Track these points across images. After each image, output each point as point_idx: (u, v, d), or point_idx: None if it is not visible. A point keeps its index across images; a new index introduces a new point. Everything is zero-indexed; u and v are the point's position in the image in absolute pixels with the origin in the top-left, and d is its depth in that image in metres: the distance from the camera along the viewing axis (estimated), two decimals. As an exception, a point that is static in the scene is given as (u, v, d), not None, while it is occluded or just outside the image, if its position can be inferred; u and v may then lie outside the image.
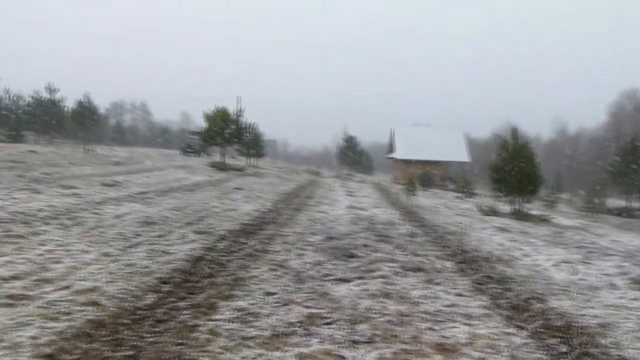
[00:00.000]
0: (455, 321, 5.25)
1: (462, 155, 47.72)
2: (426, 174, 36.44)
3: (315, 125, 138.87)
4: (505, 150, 18.61)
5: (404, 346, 4.43)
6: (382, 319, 5.11)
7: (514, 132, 19.31)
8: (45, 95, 49.99)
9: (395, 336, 4.67)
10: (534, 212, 18.51)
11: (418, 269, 7.47)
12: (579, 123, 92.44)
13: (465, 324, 5.17)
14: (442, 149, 47.03)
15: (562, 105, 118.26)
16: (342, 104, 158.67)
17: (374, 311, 5.35)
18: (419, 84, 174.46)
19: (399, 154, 47.21)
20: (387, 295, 5.96)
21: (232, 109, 35.78)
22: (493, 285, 6.94)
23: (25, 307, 4.70)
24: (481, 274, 7.56)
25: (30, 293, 5.13)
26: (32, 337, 4.01)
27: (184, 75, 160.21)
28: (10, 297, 4.95)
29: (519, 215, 17.47)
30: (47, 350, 3.84)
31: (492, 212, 18.04)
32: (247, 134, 40.58)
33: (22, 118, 49.33)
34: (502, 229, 13.23)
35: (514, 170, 17.88)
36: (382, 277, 6.83)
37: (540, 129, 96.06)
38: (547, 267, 8.55)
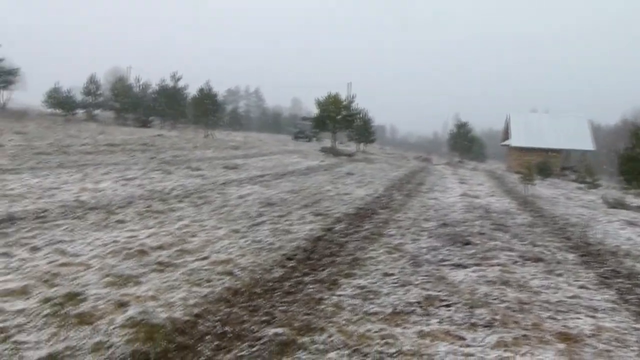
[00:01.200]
0: (579, 312, 5.14)
1: (585, 143, 44.58)
2: (544, 163, 34.52)
3: (426, 111, 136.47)
4: (637, 137, 17.27)
5: (525, 332, 4.45)
6: (501, 305, 5.14)
7: (647, 118, 17.82)
8: (169, 83, 53.67)
9: (516, 322, 4.69)
10: (667, 206, 17.06)
11: (538, 259, 7.31)
12: None
13: (590, 316, 5.05)
14: (563, 136, 44.25)
15: None
16: (454, 88, 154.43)
17: (492, 297, 5.38)
18: (538, 66, 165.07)
19: (515, 141, 45.09)
20: (505, 283, 5.94)
21: (342, 95, 36.30)
22: (620, 280, 6.64)
23: (173, 273, 5.31)
24: (607, 268, 7.24)
25: (175, 261, 5.77)
26: (182, 299, 4.56)
27: (295, 63, 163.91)
28: (159, 264, 5.60)
29: (651, 209, 16.18)
30: (196, 310, 4.36)
31: (620, 204, 16.86)
32: (358, 120, 40.90)
33: (150, 105, 53.28)
34: (632, 223, 12.38)
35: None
36: (500, 265, 6.79)
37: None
38: (682, 264, 7.97)
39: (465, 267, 6.63)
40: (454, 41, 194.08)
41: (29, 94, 52.72)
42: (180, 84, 53.45)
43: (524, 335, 4.38)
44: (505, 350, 4.04)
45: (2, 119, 31.08)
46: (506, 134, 48.57)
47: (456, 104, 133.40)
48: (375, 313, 4.69)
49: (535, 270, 6.72)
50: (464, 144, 53.55)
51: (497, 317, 4.79)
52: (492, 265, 6.71)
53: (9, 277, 4.78)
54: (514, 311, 5.00)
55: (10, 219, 7.12)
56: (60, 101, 49.60)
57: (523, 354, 4.00)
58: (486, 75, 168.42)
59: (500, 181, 24.91)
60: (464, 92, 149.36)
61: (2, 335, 3.62)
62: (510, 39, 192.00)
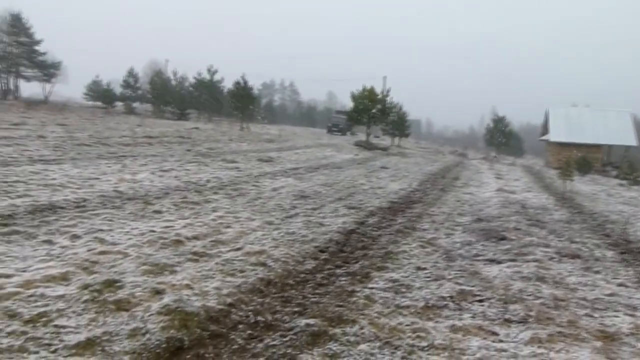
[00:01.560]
0: (617, 310, 5.02)
1: (628, 138, 43.12)
2: (584, 158, 33.62)
3: (462, 105, 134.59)
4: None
5: (560, 329, 4.37)
6: (536, 301, 5.06)
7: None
8: (206, 76, 54.29)
9: (550, 319, 4.61)
10: None
11: (575, 256, 7.15)
12: None
13: (628, 315, 4.92)
14: (604, 131, 42.91)
15: None
16: (491, 82, 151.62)
17: (527, 293, 5.30)
18: (577, 60, 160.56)
19: (554, 136, 43.99)
20: (541, 279, 5.83)
21: (376, 88, 36.06)
22: (662, 279, 6.43)
23: (207, 263, 5.41)
24: (648, 266, 7.03)
25: (209, 252, 5.86)
26: (216, 288, 4.64)
27: (329, 56, 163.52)
28: (194, 254, 5.71)
29: (696, 207, 15.59)
30: (229, 300, 4.43)
31: (663, 201, 16.31)
32: (392, 114, 40.59)
33: (186, 98, 54.06)
34: (675, 221, 11.97)
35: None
36: (536, 261, 6.66)
37: None
38: None
39: (499, 262, 6.54)
40: (492, 35, 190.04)
41: (70, 87, 54.30)
42: (216, 77, 54.01)
43: (559, 332, 4.30)
44: (539, 347, 3.98)
45: (45, 111, 32.03)
46: (545, 129, 47.48)
47: (494, 98, 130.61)
48: (407, 306, 4.68)
49: (572, 267, 6.58)
50: (501, 138, 52.53)
51: (532, 313, 4.71)
52: (528, 261, 6.60)
53: (50, 263, 4.95)
54: (549, 308, 4.91)
55: (52, 208, 7.35)
56: (100, 94, 50.86)
57: (558, 351, 3.93)
58: (525, 69, 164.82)
59: (538, 177, 24.42)
60: (502, 86, 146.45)
61: (44, 319, 3.76)
62: (551, 32, 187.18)
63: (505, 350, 3.89)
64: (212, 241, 6.32)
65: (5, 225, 6.23)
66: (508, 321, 4.52)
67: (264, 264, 5.55)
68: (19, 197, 7.82)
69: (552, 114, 45.84)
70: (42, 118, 25.86)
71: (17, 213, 6.84)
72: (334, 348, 3.72)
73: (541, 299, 5.15)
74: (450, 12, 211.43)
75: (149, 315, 3.91)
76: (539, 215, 10.78)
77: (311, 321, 4.10)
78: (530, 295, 5.25)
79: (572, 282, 5.88)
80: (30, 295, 4.14)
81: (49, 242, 5.73)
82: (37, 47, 50.55)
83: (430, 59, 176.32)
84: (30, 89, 54.34)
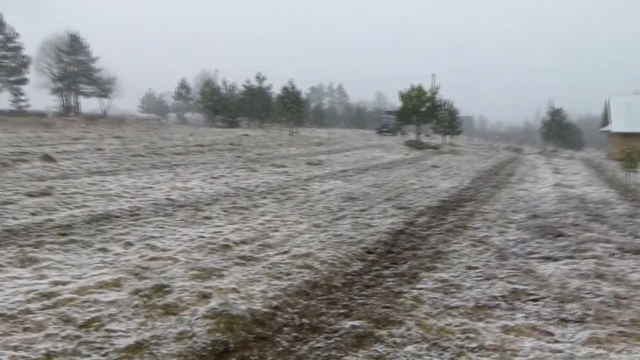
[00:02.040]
0: (685, 308, 4.71)
1: (698, 126, 40.66)
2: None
3: (516, 100, 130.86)
4: None
5: (621, 329, 4.13)
6: (595, 300, 4.81)
7: None
8: (255, 83, 55.17)
9: (610, 318, 4.37)
10: None
11: (639, 252, 6.77)
12: None
13: (698, 313, 4.60)
14: (671, 119, 40.67)
15: None
16: (546, 74, 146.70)
17: (585, 291, 5.05)
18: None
19: (616, 126, 41.94)
20: (600, 276, 5.55)
21: (426, 86, 35.59)
22: None
23: (254, 267, 5.45)
24: None
25: (257, 255, 5.91)
26: (262, 291, 4.66)
27: (378, 57, 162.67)
28: (241, 257, 5.77)
29: None
30: (275, 303, 4.44)
31: None
32: (443, 112, 39.92)
33: (237, 105, 55.05)
34: None
35: None
36: (595, 257, 6.36)
37: None
38: None
39: (555, 259, 6.27)
40: (546, 24, 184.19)
41: (125, 101, 56.35)
42: (265, 83, 54.75)
43: (620, 332, 4.07)
44: (597, 347, 3.78)
45: (103, 125, 33.36)
46: (605, 119, 45.44)
47: (550, 90, 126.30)
48: (457, 307, 4.55)
49: (635, 263, 6.23)
50: (558, 131, 50.63)
51: (590, 312, 4.49)
52: (586, 258, 6.30)
53: (104, 270, 5.11)
54: (609, 306, 4.66)
55: (108, 217, 7.61)
56: (153, 106, 52.54)
57: (618, 352, 3.72)
58: (582, 58, 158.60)
59: (599, 170, 23.40)
60: (559, 77, 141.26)
61: (97, 324, 3.87)
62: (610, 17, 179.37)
63: (560, 351, 3.71)
64: (259, 245, 6.37)
65: (64, 234, 6.49)
66: (564, 321, 4.31)
67: (310, 267, 5.54)
68: (77, 207, 8.14)
69: (612, 103, 43.76)
70: (100, 132, 26.95)
71: (75, 223, 7.12)
72: (380, 350, 3.65)
73: (601, 297, 4.90)
74: (481, 8, 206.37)
75: (196, 319, 3.96)
76: (600, 209, 10.31)
77: (357, 323, 4.05)
78: (588, 293, 5.00)
79: (635, 279, 5.57)
80: (85, 301, 4.28)
81: (104, 249, 5.93)
82: (94, 65, 52.85)
83: (484, 54, 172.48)
84: (89, 104, 56.79)
